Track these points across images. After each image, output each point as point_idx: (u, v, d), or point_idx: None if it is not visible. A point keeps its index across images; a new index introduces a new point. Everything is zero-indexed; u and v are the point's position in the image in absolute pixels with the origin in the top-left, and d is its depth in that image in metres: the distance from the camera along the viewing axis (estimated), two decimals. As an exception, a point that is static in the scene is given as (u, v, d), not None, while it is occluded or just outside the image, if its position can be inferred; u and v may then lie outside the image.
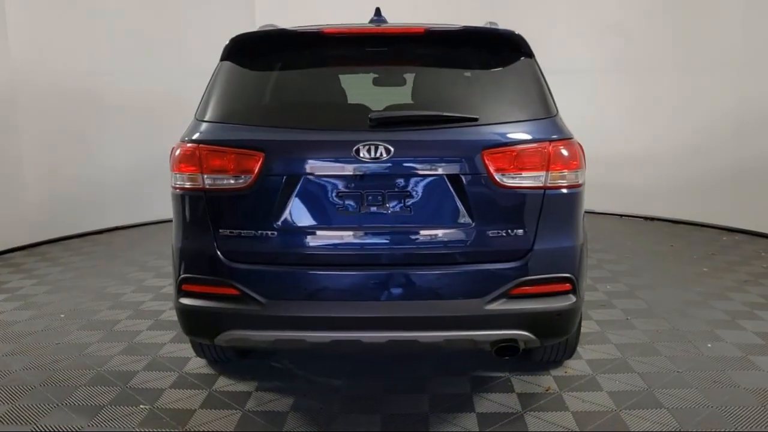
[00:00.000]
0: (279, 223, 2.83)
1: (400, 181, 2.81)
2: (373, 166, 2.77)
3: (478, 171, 2.78)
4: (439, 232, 2.83)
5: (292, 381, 3.62)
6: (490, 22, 3.35)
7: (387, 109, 3.12)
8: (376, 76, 3.34)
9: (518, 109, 2.93)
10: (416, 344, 2.87)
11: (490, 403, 3.34)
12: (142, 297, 5.18)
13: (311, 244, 2.85)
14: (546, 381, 3.59)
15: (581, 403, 3.32)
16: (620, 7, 8.20)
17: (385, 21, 3.34)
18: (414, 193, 2.81)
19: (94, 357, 3.95)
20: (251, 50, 3.12)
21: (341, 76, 3.23)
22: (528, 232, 2.83)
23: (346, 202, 2.82)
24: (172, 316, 4.68)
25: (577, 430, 3.04)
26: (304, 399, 3.41)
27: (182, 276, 2.96)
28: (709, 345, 4.04)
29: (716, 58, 7.44)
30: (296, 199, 2.82)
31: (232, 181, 2.84)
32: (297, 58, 3.14)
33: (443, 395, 3.43)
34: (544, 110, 2.94)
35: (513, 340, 2.88)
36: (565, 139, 2.88)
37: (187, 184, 2.93)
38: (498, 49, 3.03)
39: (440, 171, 2.80)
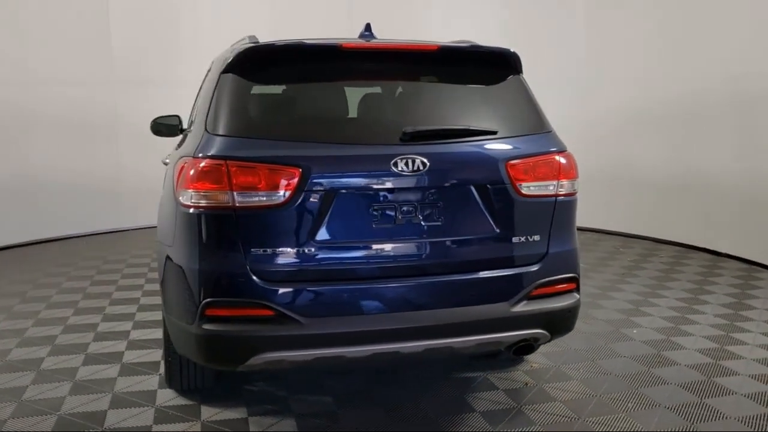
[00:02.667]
0: (316, 239, 2.78)
1: (433, 193, 2.89)
2: (410, 179, 2.83)
3: (503, 181, 2.96)
4: (469, 241, 2.95)
5: (279, 402, 3.50)
6: (464, 41, 3.53)
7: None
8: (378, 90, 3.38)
9: (525, 123, 3.15)
10: (450, 350, 2.96)
11: (485, 402, 3.52)
12: (51, 331, 4.64)
13: (349, 258, 2.83)
14: (520, 376, 3.85)
15: (564, 392, 3.62)
16: (475, 30, 8.84)
17: (374, 36, 3.39)
18: (445, 204, 2.91)
19: (42, 401, 3.50)
20: (263, 62, 3.01)
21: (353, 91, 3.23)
22: (543, 237, 3.06)
23: (383, 215, 2.84)
24: (102, 348, 4.29)
25: (576, 416, 3.33)
26: (307, 418, 3.33)
27: (206, 300, 2.76)
28: (635, 331, 4.58)
29: (562, 76, 8.31)
30: (333, 214, 2.79)
31: (265, 198, 2.74)
32: (316, 72, 3.09)
33: (440, 398, 3.54)
34: (544, 124, 3.19)
35: (529, 338, 3.09)
36: (566, 150, 3.16)
37: (208, 203, 2.76)
38: (500, 66, 3.23)
39: (469, 182, 2.94)
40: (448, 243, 2.93)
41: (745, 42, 6.38)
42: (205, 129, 2.89)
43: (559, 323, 3.14)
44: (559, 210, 3.10)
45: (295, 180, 2.74)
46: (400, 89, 3.16)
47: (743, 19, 6.42)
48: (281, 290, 2.76)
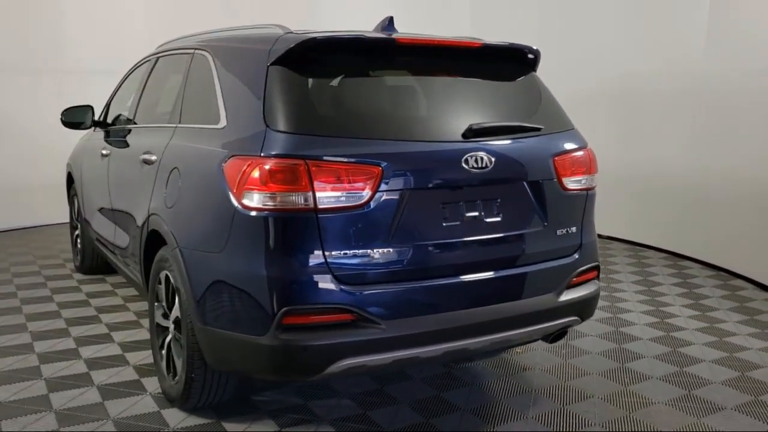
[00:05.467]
0: (393, 238, 2.71)
1: (495, 189, 2.94)
2: (478, 176, 2.85)
3: (551, 176, 3.09)
4: (524, 235, 3.04)
5: (302, 411, 3.34)
6: (474, 38, 3.57)
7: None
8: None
9: (555, 119, 3.28)
10: (510, 343, 3.04)
11: (502, 388, 3.64)
12: (-23, 356, 3.99)
13: (422, 257, 2.79)
14: (513, 361, 4.03)
15: (562, 372, 3.85)
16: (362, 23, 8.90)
17: (396, 31, 3.32)
18: (504, 199, 2.97)
19: (32, 437, 3.04)
20: (320, 55, 2.84)
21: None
22: (578, 229, 3.24)
23: (451, 211, 2.84)
24: (59, 371, 3.79)
25: (589, 393, 3.57)
26: (341, 423, 3.23)
27: (284, 309, 2.58)
28: (584, 311, 4.96)
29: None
30: (407, 212, 2.73)
31: (347, 199, 2.61)
32: (373, 66, 2.97)
33: (456, 389, 3.59)
34: (569, 121, 3.36)
35: (566, 326, 3.26)
36: (588, 147, 3.35)
37: (282, 205, 2.58)
38: (526, 64, 3.33)
39: (524, 177, 3.03)
40: (507, 238, 2.99)
41: (622, 43, 7.10)
42: (266, 125, 2.68)
43: (589, 309, 3.35)
44: (589, 202, 3.30)
45: (376, 179, 2.65)
46: (450, 85, 3.13)
47: (612, 19, 7.16)
48: (361, 293, 2.66)
